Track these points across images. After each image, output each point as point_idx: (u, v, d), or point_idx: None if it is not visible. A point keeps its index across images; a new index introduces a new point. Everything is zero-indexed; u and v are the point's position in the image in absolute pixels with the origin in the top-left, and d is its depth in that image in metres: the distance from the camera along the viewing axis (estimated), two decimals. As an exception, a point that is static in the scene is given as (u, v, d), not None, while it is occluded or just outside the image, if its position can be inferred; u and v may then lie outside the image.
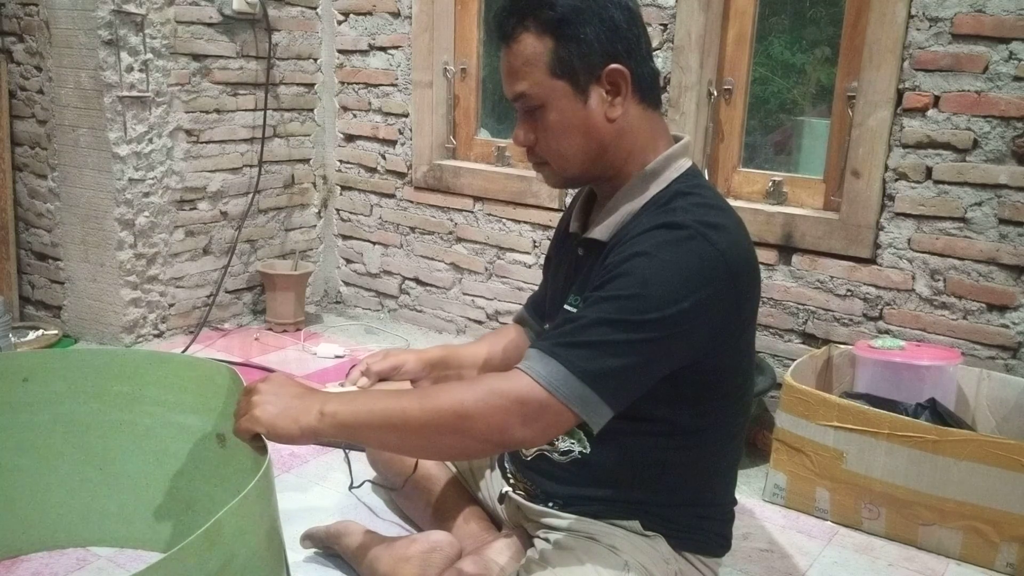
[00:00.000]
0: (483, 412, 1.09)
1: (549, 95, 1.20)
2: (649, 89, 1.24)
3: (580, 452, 1.30)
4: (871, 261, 2.16)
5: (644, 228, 1.17)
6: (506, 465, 1.49)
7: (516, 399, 1.08)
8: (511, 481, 1.46)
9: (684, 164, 1.26)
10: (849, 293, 2.20)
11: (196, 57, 2.72)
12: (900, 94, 2.06)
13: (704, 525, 1.34)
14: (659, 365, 1.14)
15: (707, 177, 2.42)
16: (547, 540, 1.32)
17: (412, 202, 3.01)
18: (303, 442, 1.14)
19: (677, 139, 1.29)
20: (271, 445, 1.14)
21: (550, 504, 1.36)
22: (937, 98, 2.02)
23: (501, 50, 1.23)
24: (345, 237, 3.23)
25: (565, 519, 1.33)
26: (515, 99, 1.23)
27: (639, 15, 1.23)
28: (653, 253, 1.13)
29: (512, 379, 1.10)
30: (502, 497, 1.49)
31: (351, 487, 1.84)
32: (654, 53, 2.36)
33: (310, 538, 1.66)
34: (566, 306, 1.30)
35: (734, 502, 1.40)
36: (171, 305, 2.80)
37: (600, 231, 1.27)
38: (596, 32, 1.18)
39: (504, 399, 1.08)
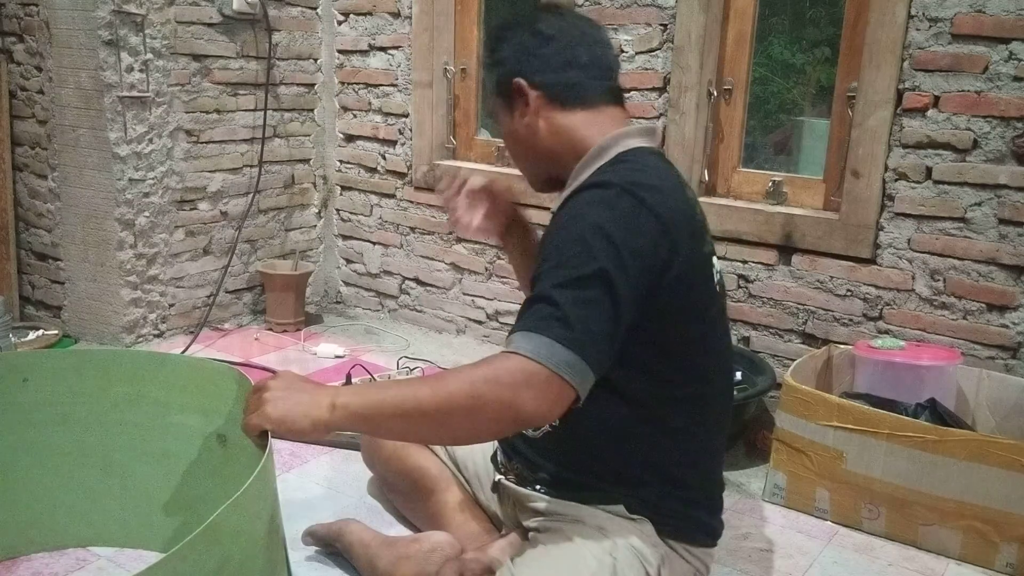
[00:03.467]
0: (494, 390, 1.10)
1: (497, 110, 1.42)
2: (567, 95, 1.34)
3: (551, 424, 1.33)
4: (871, 261, 2.16)
5: (576, 190, 1.25)
6: (498, 456, 1.51)
7: (524, 373, 1.10)
8: (502, 470, 1.48)
9: (632, 143, 1.32)
10: (849, 293, 2.20)
11: (196, 57, 2.72)
12: (900, 94, 2.06)
13: (687, 512, 1.35)
14: (622, 312, 1.15)
15: (707, 177, 2.42)
16: (537, 529, 1.34)
17: (412, 202, 3.01)
18: (315, 436, 1.16)
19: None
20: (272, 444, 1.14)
21: (538, 487, 1.38)
22: (937, 98, 2.02)
23: None
24: (345, 237, 3.23)
25: (553, 502, 1.35)
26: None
27: (558, 36, 1.35)
28: (584, 212, 1.20)
29: (512, 357, 1.11)
30: (495, 487, 1.51)
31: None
32: (654, 53, 2.38)
33: (312, 535, 1.66)
34: None
35: (720, 487, 1.41)
36: (171, 305, 2.80)
37: (555, 203, 1.36)
38: (507, 54, 1.37)
39: (513, 375, 1.10)
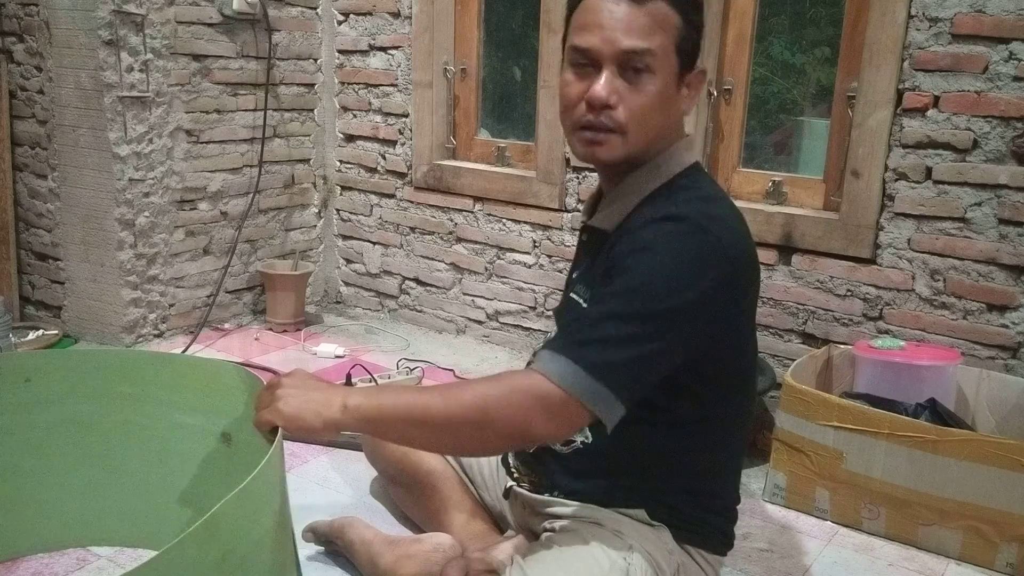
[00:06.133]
0: (505, 408, 1.10)
1: (664, 65, 1.19)
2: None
3: (582, 442, 1.32)
4: (871, 261, 2.16)
5: (647, 220, 1.20)
6: (510, 460, 1.49)
7: (537, 396, 1.10)
8: (515, 475, 1.47)
9: (689, 159, 1.29)
10: (849, 293, 2.20)
11: (196, 57, 2.72)
12: (900, 94, 2.06)
13: (707, 519, 1.35)
14: (667, 358, 1.15)
15: (707, 177, 2.42)
16: (553, 529, 1.33)
17: (412, 202, 3.01)
18: (325, 435, 1.17)
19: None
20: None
21: (555, 493, 1.37)
22: (937, 98, 2.02)
23: (620, 3, 1.18)
24: (345, 237, 3.23)
25: (571, 506, 1.34)
26: (629, 53, 1.18)
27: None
28: (656, 247, 1.16)
29: (531, 377, 1.11)
30: (507, 493, 1.50)
31: None
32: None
33: (313, 531, 1.66)
34: (571, 294, 1.33)
35: (737, 500, 1.41)
36: (171, 305, 2.80)
37: (603, 219, 1.30)
38: (702, 27, 1.25)
39: (526, 396, 1.10)
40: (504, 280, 2.84)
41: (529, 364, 1.45)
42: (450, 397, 1.13)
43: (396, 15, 2.90)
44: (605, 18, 1.19)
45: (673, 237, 1.16)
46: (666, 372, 1.17)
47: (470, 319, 2.95)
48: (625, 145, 1.23)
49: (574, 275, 1.39)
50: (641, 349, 1.12)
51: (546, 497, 1.38)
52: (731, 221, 1.21)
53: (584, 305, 1.26)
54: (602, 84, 1.19)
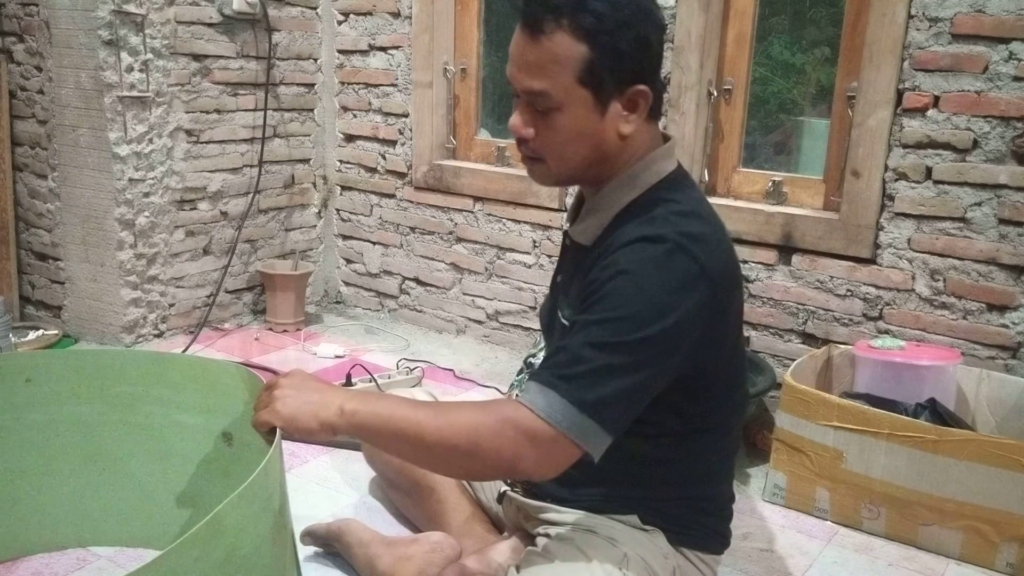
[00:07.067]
0: (495, 440, 1.09)
1: (568, 101, 1.16)
2: (659, 105, 1.24)
3: None
4: (871, 261, 2.16)
5: (625, 241, 1.17)
6: None
7: (526, 431, 1.09)
8: (509, 480, 1.47)
9: (667, 167, 1.25)
10: (849, 293, 2.20)
11: (196, 57, 2.72)
12: (900, 94, 2.06)
13: (702, 520, 1.35)
14: (654, 384, 1.14)
15: (707, 177, 2.42)
16: (547, 536, 1.33)
17: (412, 202, 3.01)
18: (321, 437, 1.16)
19: (666, 139, 1.29)
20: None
21: (548, 500, 1.37)
22: (937, 98, 2.02)
23: (522, 37, 1.16)
24: (345, 237, 3.23)
25: (565, 513, 1.34)
26: (527, 93, 1.17)
27: (663, 26, 1.21)
28: (636, 271, 1.13)
29: (520, 411, 1.10)
30: (501, 497, 1.50)
31: None
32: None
33: (310, 535, 1.66)
34: (557, 307, 1.32)
35: (731, 499, 1.41)
36: (171, 305, 2.80)
37: (582, 233, 1.28)
38: (630, 49, 1.15)
39: (516, 431, 1.09)
40: (504, 280, 2.84)
41: (519, 373, 1.45)
42: (444, 420, 1.12)
43: (396, 15, 2.90)
44: (514, 51, 1.18)
45: (653, 260, 1.13)
46: (653, 396, 1.15)
47: (470, 319, 2.95)
48: (551, 173, 1.24)
49: (558, 279, 1.38)
50: (628, 379, 1.10)
51: (541, 503, 1.38)
52: (711, 238, 1.17)
53: (566, 323, 1.25)
54: (514, 117, 1.20)
